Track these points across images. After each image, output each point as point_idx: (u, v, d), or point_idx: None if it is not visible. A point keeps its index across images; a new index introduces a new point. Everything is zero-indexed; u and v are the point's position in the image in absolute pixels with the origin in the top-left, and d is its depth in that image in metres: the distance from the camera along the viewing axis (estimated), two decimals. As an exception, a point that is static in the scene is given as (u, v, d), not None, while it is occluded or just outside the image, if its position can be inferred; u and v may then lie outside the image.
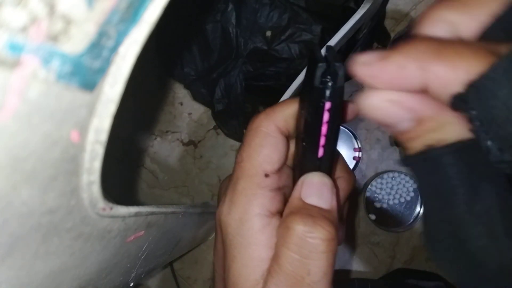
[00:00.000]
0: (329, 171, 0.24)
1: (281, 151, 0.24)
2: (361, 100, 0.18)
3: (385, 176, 0.64)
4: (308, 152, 0.23)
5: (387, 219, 0.63)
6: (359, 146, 0.64)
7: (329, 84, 0.20)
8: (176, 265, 0.63)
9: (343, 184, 0.26)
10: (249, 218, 0.23)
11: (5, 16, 0.11)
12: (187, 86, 0.59)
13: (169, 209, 0.30)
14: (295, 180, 0.25)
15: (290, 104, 0.24)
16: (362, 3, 0.46)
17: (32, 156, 0.14)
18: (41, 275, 0.19)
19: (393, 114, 0.18)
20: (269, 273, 0.22)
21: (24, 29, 0.12)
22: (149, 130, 0.64)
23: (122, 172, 0.63)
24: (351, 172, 0.27)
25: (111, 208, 0.20)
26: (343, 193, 0.26)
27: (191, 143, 0.64)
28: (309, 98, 0.21)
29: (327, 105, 0.21)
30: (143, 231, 0.27)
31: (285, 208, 0.23)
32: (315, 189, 0.23)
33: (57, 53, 0.13)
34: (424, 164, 0.18)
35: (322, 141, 0.22)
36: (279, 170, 0.24)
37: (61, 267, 0.20)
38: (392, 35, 0.59)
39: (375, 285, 0.55)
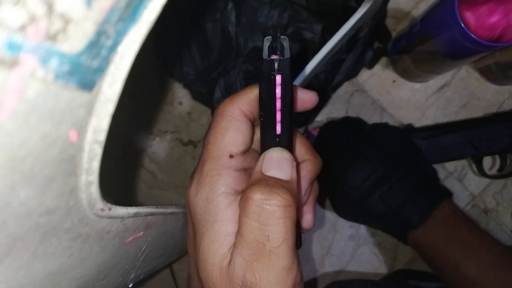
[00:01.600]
0: (289, 147, 0.25)
1: (246, 133, 0.25)
2: None
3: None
4: (267, 129, 0.24)
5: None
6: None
7: (276, 57, 0.22)
8: (175, 266, 0.63)
9: (309, 166, 0.28)
10: (215, 197, 0.24)
11: (3, 15, 0.11)
12: (186, 86, 0.59)
13: (169, 210, 0.30)
14: (261, 135, 0.26)
15: (253, 89, 0.26)
16: (363, 2, 0.46)
17: (30, 156, 0.14)
18: (40, 276, 0.19)
19: None
20: (234, 244, 0.23)
21: (22, 28, 0.12)
22: (148, 130, 0.64)
23: (121, 172, 0.63)
24: (317, 154, 0.29)
25: (109, 209, 0.20)
26: (309, 175, 0.27)
27: (191, 143, 0.64)
28: (261, 72, 0.23)
29: (278, 78, 0.22)
30: (142, 232, 0.27)
31: (248, 182, 0.25)
32: (275, 163, 0.24)
33: (56, 53, 0.13)
34: None
35: (278, 116, 0.24)
36: (244, 152, 0.26)
37: (60, 268, 0.20)
38: (393, 34, 0.59)
39: (376, 286, 0.55)
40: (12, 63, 0.12)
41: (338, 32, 0.46)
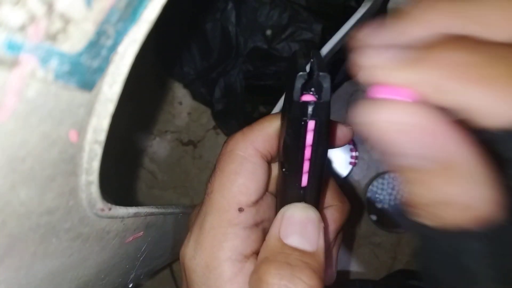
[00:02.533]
0: (316, 202, 0.20)
1: (260, 179, 0.20)
2: (362, 117, 0.13)
3: (386, 176, 0.63)
4: (290, 179, 0.19)
5: (388, 219, 0.63)
6: (356, 147, 0.63)
7: (312, 98, 0.16)
8: (175, 266, 0.63)
9: (335, 215, 0.23)
10: (218, 265, 0.19)
11: (4, 15, 0.11)
12: (186, 86, 0.59)
13: (168, 210, 0.30)
14: (277, 211, 0.20)
15: (271, 121, 0.21)
16: (363, 1, 0.46)
17: (30, 156, 0.14)
18: (40, 276, 0.19)
19: (406, 145, 0.12)
20: None
21: (22, 28, 0.12)
22: (148, 130, 0.64)
23: (121, 172, 0.63)
24: (345, 199, 0.24)
25: (109, 209, 0.20)
26: (334, 226, 0.23)
27: (191, 143, 0.64)
28: (288, 115, 0.17)
29: (310, 124, 0.17)
30: (142, 232, 0.27)
31: (260, 250, 0.19)
32: (297, 227, 0.19)
33: (56, 53, 0.13)
34: (442, 241, 0.14)
35: (306, 167, 0.18)
36: (257, 202, 0.21)
37: (60, 268, 0.20)
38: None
39: (376, 286, 0.55)
40: (12, 63, 0.12)
41: (338, 32, 0.46)
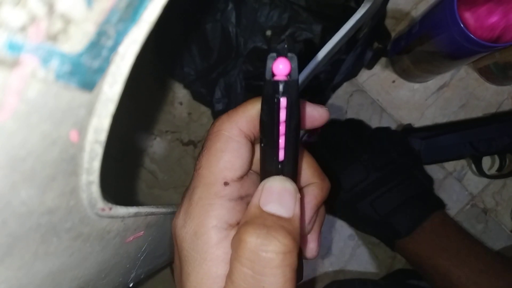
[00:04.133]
0: (293, 176, 0.22)
1: (244, 156, 0.22)
2: None
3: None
4: (268, 155, 0.21)
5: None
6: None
7: (283, 78, 0.18)
8: (175, 265, 0.63)
9: (315, 191, 0.24)
10: (205, 231, 0.21)
11: (4, 15, 0.11)
12: (186, 86, 0.59)
13: (169, 209, 0.30)
14: (261, 159, 0.23)
15: (254, 104, 0.23)
16: (362, 2, 0.46)
17: (31, 156, 0.14)
18: (40, 275, 0.19)
19: None
20: None
21: (23, 29, 0.12)
22: (149, 130, 0.64)
23: (121, 172, 0.63)
24: (324, 177, 0.25)
25: (110, 209, 0.20)
26: (315, 201, 0.24)
27: (191, 143, 0.64)
28: (263, 94, 0.19)
29: (282, 101, 0.19)
30: (142, 232, 0.27)
31: (241, 217, 0.21)
32: (275, 195, 0.21)
33: (56, 53, 0.13)
34: None
35: (282, 142, 0.20)
36: (241, 178, 0.22)
37: (60, 267, 0.20)
38: (393, 34, 0.59)
39: (376, 285, 0.55)
40: (13, 63, 0.12)
41: (338, 33, 0.46)
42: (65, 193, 0.17)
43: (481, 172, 0.58)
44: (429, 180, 0.55)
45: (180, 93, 0.63)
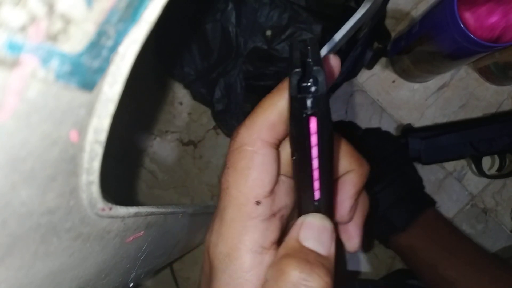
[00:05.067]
0: (330, 211, 0.22)
1: (272, 169, 0.22)
2: None
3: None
4: (300, 165, 0.20)
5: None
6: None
7: (310, 90, 0.17)
8: (175, 265, 0.63)
9: (354, 178, 0.24)
10: (239, 256, 0.21)
11: (4, 15, 0.11)
12: (186, 86, 0.59)
13: (169, 210, 0.30)
14: (296, 189, 0.22)
15: (271, 108, 0.21)
16: (362, 2, 0.46)
17: (31, 156, 0.14)
18: (40, 275, 0.19)
19: None
20: None
21: (23, 29, 0.12)
22: (149, 130, 0.64)
23: (121, 172, 0.63)
24: (363, 162, 0.25)
25: (110, 209, 0.20)
26: (354, 189, 0.24)
27: (191, 143, 0.64)
28: (290, 110, 0.18)
29: (312, 121, 0.18)
30: (142, 232, 0.27)
31: (280, 248, 0.21)
32: (315, 232, 0.21)
33: (56, 53, 0.13)
34: None
35: (314, 153, 0.19)
36: (272, 191, 0.22)
37: (60, 267, 0.20)
38: (393, 34, 0.59)
39: (375, 285, 0.55)
40: (13, 64, 0.12)
41: (338, 33, 0.46)
42: (65, 193, 0.17)
43: (481, 172, 0.58)
44: (419, 178, 0.57)
45: (180, 93, 0.63)
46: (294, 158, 0.20)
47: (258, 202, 0.21)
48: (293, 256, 0.20)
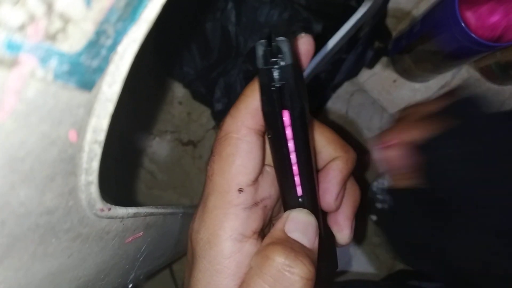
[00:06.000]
0: (315, 207, 0.23)
1: (257, 156, 0.22)
2: (379, 153, 0.32)
3: (386, 177, 0.63)
4: (276, 144, 0.20)
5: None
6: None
7: (277, 63, 0.17)
8: (175, 266, 0.63)
9: (340, 165, 0.24)
10: (218, 242, 0.21)
11: (3, 15, 0.11)
12: (186, 86, 0.59)
13: (168, 210, 0.30)
14: (278, 184, 0.23)
15: (253, 95, 0.21)
16: (363, 1, 0.46)
17: (30, 156, 0.14)
18: (39, 276, 0.19)
19: (398, 164, 0.31)
20: None
21: (22, 28, 0.12)
22: (148, 130, 0.64)
23: (120, 173, 0.63)
24: (348, 148, 0.25)
25: (109, 209, 0.20)
26: (340, 176, 0.24)
27: (191, 143, 0.64)
28: (259, 83, 0.19)
29: (280, 88, 0.18)
30: (141, 232, 0.27)
31: (265, 238, 0.22)
32: (301, 225, 0.21)
33: (55, 52, 0.13)
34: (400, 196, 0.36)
35: (289, 133, 0.19)
36: (255, 180, 0.22)
37: (59, 268, 0.20)
38: (394, 33, 0.59)
39: (376, 286, 0.55)
40: (12, 63, 0.12)
41: (338, 32, 0.46)
42: (64, 193, 0.17)
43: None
44: None
45: (180, 92, 0.63)
46: (269, 136, 0.20)
47: (240, 190, 0.21)
48: (279, 244, 0.20)
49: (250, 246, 0.21)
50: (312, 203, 0.23)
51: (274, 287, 0.19)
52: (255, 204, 0.22)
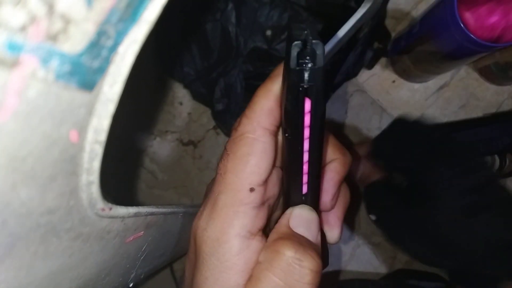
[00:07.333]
0: (316, 203, 0.23)
1: (270, 156, 0.22)
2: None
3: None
4: (292, 143, 0.21)
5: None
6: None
7: (308, 65, 0.18)
8: (176, 265, 0.63)
9: (337, 167, 0.25)
10: (228, 240, 0.21)
11: (4, 15, 0.11)
12: (186, 86, 0.59)
13: (169, 210, 0.30)
14: (284, 182, 0.23)
15: (267, 95, 0.22)
16: (362, 2, 0.46)
17: (31, 156, 0.14)
18: (40, 275, 0.19)
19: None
20: None
21: (23, 29, 0.12)
22: (148, 130, 0.64)
23: (121, 172, 0.63)
24: (345, 152, 0.26)
25: (110, 209, 0.20)
26: (337, 177, 0.25)
27: (191, 143, 0.64)
28: (287, 82, 0.19)
29: (307, 89, 0.18)
30: (142, 232, 0.27)
31: (271, 233, 0.22)
32: (304, 221, 0.22)
33: (56, 53, 0.13)
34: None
35: (306, 133, 0.20)
36: (266, 180, 0.23)
37: (60, 267, 0.20)
38: (393, 34, 0.59)
39: (376, 285, 0.55)
40: (13, 64, 0.12)
41: (338, 33, 0.46)
42: (65, 193, 0.17)
43: (481, 172, 0.58)
44: None
45: (180, 93, 0.63)
46: (286, 135, 0.21)
47: (252, 189, 0.22)
48: (287, 239, 0.21)
49: (256, 243, 0.22)
50: (313, 201, 0.23)
51: (284, 280, 0.20)
52: (263, 203, 0.23)
